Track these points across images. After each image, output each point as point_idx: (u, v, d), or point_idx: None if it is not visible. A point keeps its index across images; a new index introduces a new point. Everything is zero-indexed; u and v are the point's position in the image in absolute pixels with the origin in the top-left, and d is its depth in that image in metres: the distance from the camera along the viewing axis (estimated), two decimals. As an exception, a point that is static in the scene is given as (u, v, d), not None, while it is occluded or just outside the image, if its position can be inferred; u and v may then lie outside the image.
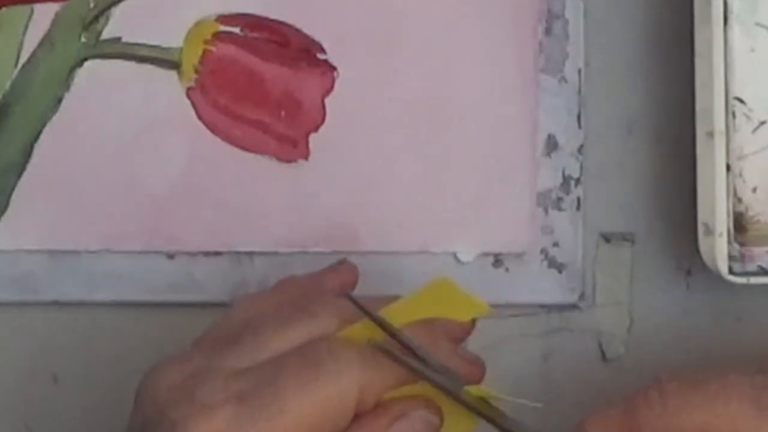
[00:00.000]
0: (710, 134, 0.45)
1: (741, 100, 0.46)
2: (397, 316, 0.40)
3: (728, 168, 0.46)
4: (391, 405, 0.39)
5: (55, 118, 0.48)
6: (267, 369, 0.38)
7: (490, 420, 0.40)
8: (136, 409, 0.39)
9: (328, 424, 0.38)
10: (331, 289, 0.43)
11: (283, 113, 0.48)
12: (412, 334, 0.40)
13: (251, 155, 0.48)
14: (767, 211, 0.47)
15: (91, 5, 0.48)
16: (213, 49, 0.48)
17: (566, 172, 0.49)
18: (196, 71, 0.48)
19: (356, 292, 0.48)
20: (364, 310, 0.39)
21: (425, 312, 0.40)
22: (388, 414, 0.39)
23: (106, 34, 0.48)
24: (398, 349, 0.39)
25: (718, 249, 0.45)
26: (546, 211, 0.48)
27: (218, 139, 0.48)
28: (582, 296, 0.49)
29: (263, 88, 0.48)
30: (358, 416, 0.38)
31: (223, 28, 0.48)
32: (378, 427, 0.39)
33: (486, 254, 0.48)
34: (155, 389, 0.38)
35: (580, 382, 0.49)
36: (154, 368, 0.39)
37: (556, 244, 0.48)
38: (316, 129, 0.48)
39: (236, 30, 0.48)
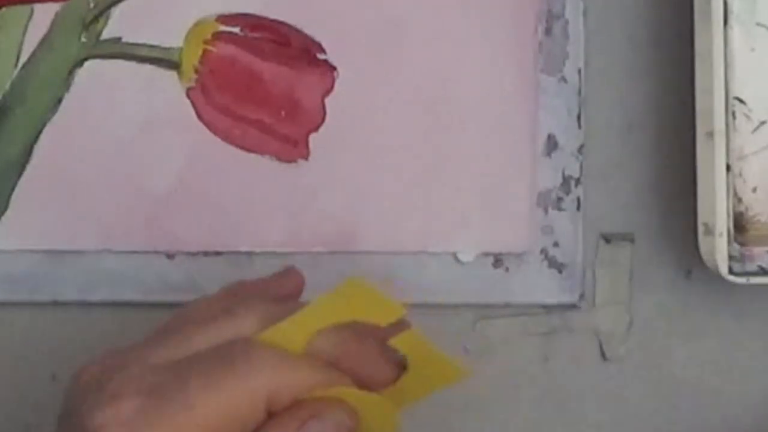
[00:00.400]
0: (710, 134, 0.45)
1: (741, 100, 0.46)
2: (313, 319, 0.39)
3: (728, 168, 0.46)
4: (305, 405, 0.39)
5: (55, 118, 0.48)
6: (182, 365, 0.38)
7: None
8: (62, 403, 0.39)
9: (236, 423, 0.37)
10: (275, 294, 0.43)
11: (283, 113, 0.48)
12: (339, 336, 0.39)
13: (251, 155, 0.48)
14: (767, 211, 0.47)
15: (91, 5, 0.48)
16: (213, 49, 0.48)
17: (566, 172, 0.49)
18: (196, 71, 0.48)
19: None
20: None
21: (341, 314, 0.39)
22: (300, 414, 0.39)
23: (106, 34, 0.48)
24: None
25: (718, 249, 0.45)
26: (546, 211, 0.48)
27: (218, 139, 0.48)
28: (582, 296, 0.49)
29: (263, 88, 0.48)
30: (272, 415, 0.38)
31: (223, 28, 0.48)
32: (289, 426, 0.38)
33: (486, 254, 0.48)
34: (75, 382, 0.39)
35: (580, 382, 0.49)
36: (89, 360, 0.39)
37: (556, 244, 0.48)
38: (316, 129, 0.48)
39: (236, 30, 0.48)
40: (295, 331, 0.39)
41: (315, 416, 0.39)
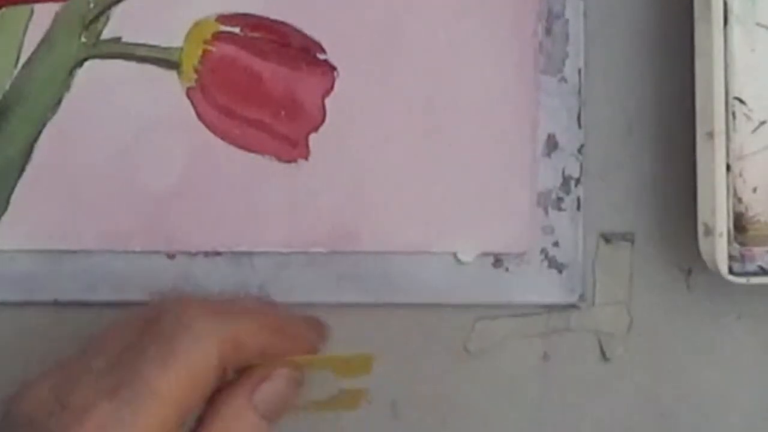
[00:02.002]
0: (710, 134, 0.45)
1: (741, 100, 0.46)
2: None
3: (728, 168, 0.46)
4: (252, 371, 0.40)
5: (55, 118, 0.48)
6: (128, 358, 0.38)
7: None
8: None
9: (197, 394, 0.38)
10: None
11: (283, 113, 0.48)
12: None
13: (251, 155, 0.48)
14: (767, 211, 0.47)
15: (91, 5, 0.48)
16: (213, 49, 0.48)
17: (566, 172, 0.49)
18: (196, 71, 0.48)
19: (355, 293, 0.48)
20: None
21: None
22: (250, 380, 0.40)
23: (106, 34, 0.48)
24: None
25: (718, 249, 0.45)
26: (546, 211, 0.48)
27: (218, 139, 0.48)
28: (582, 296, 0.49)
29: (263, 88, 0.48)
30: (221, 388, 0.39)
31: (223, 28, 0.48)
32: (242, 394, 0.39)
33: (486, 254, 0.48)
34: (27, 407, 0.39)
35: (580, 382, 0.49)
36: (19, 391, 0.39)
37: (556, 244, 0.48)
38: (316, 129, 0.48)
39: (236, 30, 0.48)
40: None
41: (265, 378, 0.40)
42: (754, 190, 0.46)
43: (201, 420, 0.39)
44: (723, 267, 0.45)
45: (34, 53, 0.48)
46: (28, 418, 0.38)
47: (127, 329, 0.40)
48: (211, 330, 0.39)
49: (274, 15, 0.48)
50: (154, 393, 0.37)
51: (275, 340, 0.41)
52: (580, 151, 0.49)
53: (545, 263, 0.48)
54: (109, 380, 0.38)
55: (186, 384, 0.38)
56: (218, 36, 0.48)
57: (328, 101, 0.48)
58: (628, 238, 0.49)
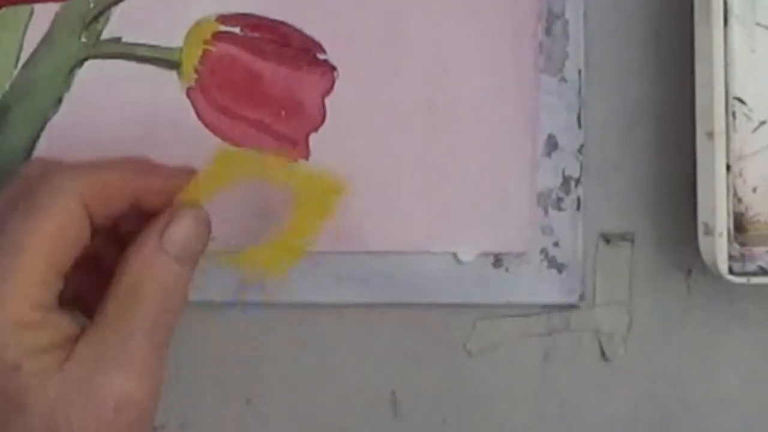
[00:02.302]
0: (710, 134, 0.45)
1: (741, 100, 0.46)
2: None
3: (728, 168, 0.46)
4: (155, 219, 0.40)
5: (56, 118, 0.48)
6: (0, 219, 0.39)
7: None
8: None
9: (65, 244, 0.38)
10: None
11: (283, 113, 0.48)
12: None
13: (251, 155, 0.48)
14: (767, 211, 0.47)
15: (91, 5, 0.48)
16: (213, 49, 0.48)
17: (566, 172, 0.49)
18: (196, 71, 0.48)
19: (355, 293, 0.48)
20: None
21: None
22: (156, 225, 0.40)
23: (106, 34, 0.48)
24: None
25: (718, 249, 0.45)
26: (546, 211, 0.48)
27: (218, 139, 0.48)
28: (582, 296, 0.49)
29: (263, 88, 0.48)
30: (129, 245, 0.39)
31: (223, 28, 0.48)
32: (149, 241, 0.39)
33: (486, 254, 0.48)
34: None
35: (580, 382, 0.49)
36: None
37: (556, 244, 0.48)
38: (316, 129, 0.48)
39: (236, 30, 0.48)
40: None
41: (170, 221, 0.40)
42: (754, 190, 0.46)
43: (114, 276, 0.39)
44: (723, 267, 0.46)
45: (34, 53, 0.48)
46: None
47: (2, 198, 0.40)
48: (72, 179, 0.39)
49: (274, 15, 0.48)
50: (22, 248, 0.38)
51: (144, 181, 0.41)
52: (580, 151, 0.49)
53: (545, 263, 0.48)
54: None
55: (52, 235, 0.38)
56: (218, 36, 0.48)
57: (328, 101, 0.48)
58: (628, 238, 0.49)
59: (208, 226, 0.41)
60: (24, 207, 0.39)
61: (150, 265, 0.39)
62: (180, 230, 0.40)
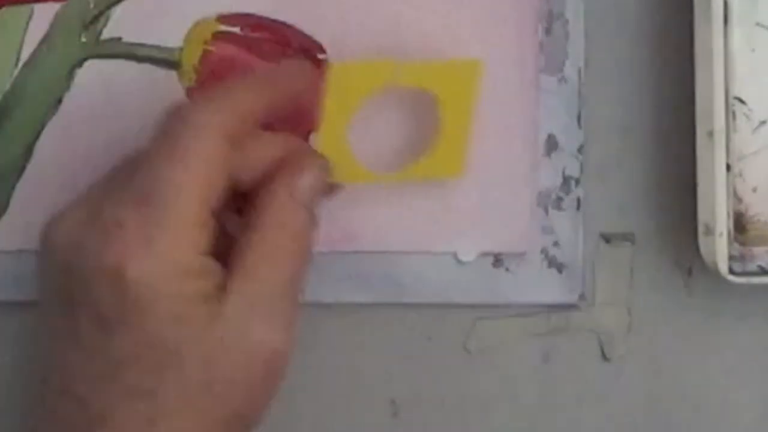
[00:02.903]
0: (710, 134, 0.45)
1: (741, 100, 0.46)
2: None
3: (728, 168, 0.46)
4: (282, 170, 0.40)
5: (56, 118, 0.48)
6: (143, 170, 0.39)
7: None
8: (47, 273, 0.39)
9: (217, 180, 0.38)
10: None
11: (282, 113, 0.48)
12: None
13: (251, 155, 0.48)
14: (767, 211, 0.47)
15: (91, 5, 0.48)
16: (213, 49, 0.48)
17: (566, 172, 0.49)
18: (196, 71, 0.48)
19: (355, 293, 0.48)
20: None
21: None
22: (286, 178, 0.40)
23: (106, 34, 0.48)
24: None
25: (718, 249, 0.45)
26: (546, 211, 0.48)
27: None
28: (582, 296, 0.49)
29: (263, 88, 0.48)
30: (259, 194, 0.40)
31: (223, 28, 0.48)
32: (284, 193, 0.40)
33: (486, 254, 0.48)
34: (65, 229, 0.39)
35: (580, 382, 0.49)
36: (53, 218, 0.40)
37: (556, 244, 0.48)
38: (316, 129, 0.48)
39: (236, 30, 0.48)
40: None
41: (299, 171, 0.40)
42: (754, 190, 0.46)
43: (249, 227, 0.39)
44: (723, 267, 0.46)
45: (34, 53, 0.48)
46: (66, 239, 0.39)
47: (144, 146, 0.40)
48: (211, 113, 0.39)
49: (274, 15, 0.48)
50: (176, 191, 0.37)
51: (275, 94, 0.42)
52: (580, 151, 0.49)
53: (545, 263, 0.48)
54: (129, 194, 0.38)
55: (203, 175, 0.38)
56: (218, 36, 0.48)
57: (328, 101, 0.48)
58: (628, 238, 0.49)
59: (330, 174, 0.42)
60: (167, 150, 0.38)
61: (285, 218, 0.40)
62: (309, 180, 0.41)
